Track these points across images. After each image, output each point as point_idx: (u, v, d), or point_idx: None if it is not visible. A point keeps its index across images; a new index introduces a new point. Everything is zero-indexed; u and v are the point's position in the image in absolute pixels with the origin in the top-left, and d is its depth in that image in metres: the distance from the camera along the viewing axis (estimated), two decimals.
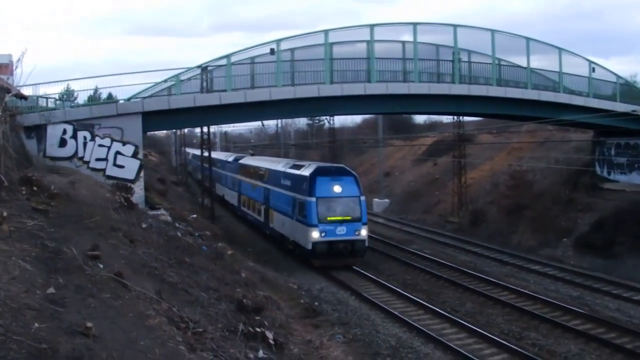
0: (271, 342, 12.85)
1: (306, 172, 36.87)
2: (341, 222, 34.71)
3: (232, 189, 59.64)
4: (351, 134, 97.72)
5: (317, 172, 36.10)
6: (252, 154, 68.82)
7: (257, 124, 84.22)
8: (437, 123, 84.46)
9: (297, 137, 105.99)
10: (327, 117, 78.07)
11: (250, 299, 16.15)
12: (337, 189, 35.27)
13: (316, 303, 27.83)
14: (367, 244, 36.14)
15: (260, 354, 11.93)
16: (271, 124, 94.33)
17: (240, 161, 58.04)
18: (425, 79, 34.70)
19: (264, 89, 31.92)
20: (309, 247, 34.68)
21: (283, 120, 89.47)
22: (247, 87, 32.05)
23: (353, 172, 38.74)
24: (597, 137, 44.34)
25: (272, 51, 31.45)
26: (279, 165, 44.36)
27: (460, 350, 22.14)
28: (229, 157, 67.21)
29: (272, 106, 32.59)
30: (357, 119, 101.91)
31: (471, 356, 21.64)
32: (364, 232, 35.27)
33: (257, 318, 14.50)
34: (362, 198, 35.89)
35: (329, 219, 34.62)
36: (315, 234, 34.36)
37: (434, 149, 70.17)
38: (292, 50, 32.50)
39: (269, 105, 32.37)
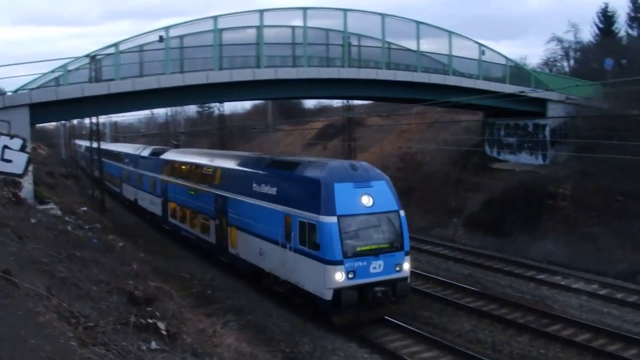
0: (164, 332, 12.78)
1: (314, 173, 23.91)
2: (376, 254, 22.37)
3: (152, 194, 46.17)
4: (241, 120, 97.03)
5: (334, 175, 23.11)
6: (177, 146, 57.85)
7: (147, 113, 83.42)
8: (327, 107, 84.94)
9: (187, 124, 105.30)
10: (217, 104, 77.93)
11: (142, 291, 16.03)
12: (365, 200, 22.77)
13: (209, 291, 27.79)
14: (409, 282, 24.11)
15: (153, 345, 11.87)
16: (161, 112, 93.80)
17: (164, 156, 44.90)
18: (315, 63, 34.90)
19: (152, 77, 31.56)
20: (328, 296, 21.90)
21: (173, 108, 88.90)
22: (136, 76, 31.62)
23: (382, 172, 25.04)
24: (486, 118, 45.60)
25: (160, 38, 31.03)
26: (244, 161, 31.43)
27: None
28: (142, 150, 52.50)
29: (161, 94, 32.21)
30: (247, 105, 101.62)
31: (363, 336, 22.12)
32: (406, 267, 23.22)
33: (149, 309, 14.38)
34: (402, 213, 23.55)
35: (359, 249, 22.21)
36: (338, 276, 21.70)
37: (324, 132, 70.84)
38: (181, 37, 32.27)
39: (158, 94, 32.00)
